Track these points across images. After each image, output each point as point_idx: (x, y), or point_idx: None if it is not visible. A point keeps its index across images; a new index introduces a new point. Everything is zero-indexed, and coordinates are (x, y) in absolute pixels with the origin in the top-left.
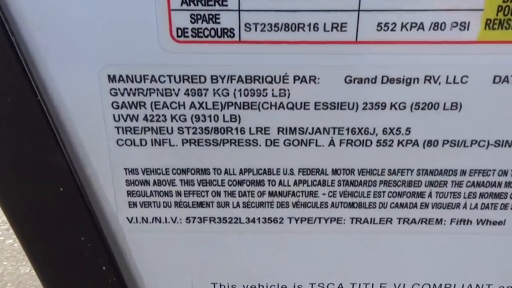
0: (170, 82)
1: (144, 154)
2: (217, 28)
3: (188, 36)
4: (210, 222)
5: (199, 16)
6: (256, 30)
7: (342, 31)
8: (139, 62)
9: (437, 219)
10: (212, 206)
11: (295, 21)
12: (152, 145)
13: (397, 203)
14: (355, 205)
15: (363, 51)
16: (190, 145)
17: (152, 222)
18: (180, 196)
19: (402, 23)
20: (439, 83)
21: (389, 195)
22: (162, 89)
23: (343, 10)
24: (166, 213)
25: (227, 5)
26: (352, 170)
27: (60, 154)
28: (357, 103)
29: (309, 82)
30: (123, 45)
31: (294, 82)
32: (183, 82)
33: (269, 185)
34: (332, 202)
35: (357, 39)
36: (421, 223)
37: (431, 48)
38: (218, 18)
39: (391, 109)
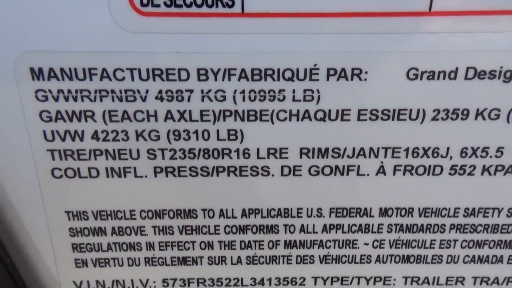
0: (132, 79)
1: (96, 190)
2: None
3: (159, 5)
4: (198, 285)
5: None
6: None
7: None
8: (81, 48)
9: None
10: (202, 263)
11: None
12: (108, 176)
13: (473, 256)
14: (412, 259)
15: (440, 27)
16: (167, 175)
17: (112, 287)
18: (153, 249)
19: None
20: None
21: (462, 245)
22: (120, 91)
23: None
24: (133, 273)
25: None
26: (410, 210)
27: None
28: (424, 110)
29: (351, 79)
30: (54, 20)
31: (328, 79)
32: (154, 79)
33: (285, 232)
34: (378, 256)
35: (432, 9)
36: (508, 284)
37: None
38: None
39: (476, 118)
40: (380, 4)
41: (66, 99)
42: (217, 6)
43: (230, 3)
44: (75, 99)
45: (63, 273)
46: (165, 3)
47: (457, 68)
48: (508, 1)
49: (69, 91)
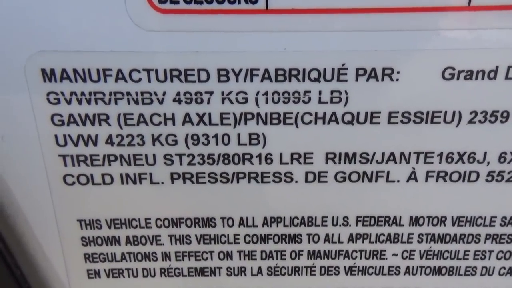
0: (149, 80)
1: (110, 198)
2: None
3: (177, 2)
4: None
5: None
6: None
7: None
8: (95, 47)
9: None
10: (220, 274)
11: None
12: (122, 182)
13: (510, 268)
14: (443, 270)
15: (479, 23)
16: (184, 182)
17: None
18: (169, 259)
19: None
20: None
21: (498, 257)
22: (136, 93)
23: None
24: (148, 285)
25: None
26: (443, 219)
27: None
28: (460, 112)
29: (382, 79)
30: (67, 18)
31: (357, 79)
32: (171, 80)
33: (309, 241)
34: (408, 267)
35: (471, 3)
36: None
37: None
38: None
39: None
40: None
41: (79, 101)
42: (239, 2)
43: None
44: (88, 102)
45: (75, 285)
46: (184, 0)
47: (497, 67)
48: None
49: (83, 94)
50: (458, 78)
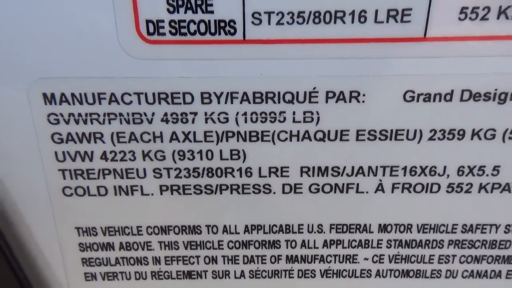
0: (139, 103)
1: (105, 208)
2: (209, 21)
3: (164, 34)
4: None
5: (181, 2)
6: (269, 23)
7: (404, 22)
8: (91, 74)
9: None
10: (206, 277)
11: (330, 7)
12: (116, 194)
13: (472, 271)
14: (411, 273)
15: (435, 52)
16: (172, 193)
17: None
18: (159, 263)
19: (500, 7)
20: None
21: (461, 260)
22: (128, 114)
23: None
24: (140, 287)
25: None
26: (409, 226)
27: None
28: (421, 130)
29: (349, 101)
30: (65, 48)
31: (327, 101)
32: (159, 103)
33: (287, 247)
34: (378, 270)
35: (427, 34)
36: None
37: None
38: (211, 5)
39: (472, 139)
40: (376, 30)
41: (77, 122)
42: (219, 33)
43: (232, 30)
44: (85, 122)
45: (74, 287)
46: (170, 32)
47: (452, 91)
48: (500, 26)
49: (80, 115)
50: (418, 100)
